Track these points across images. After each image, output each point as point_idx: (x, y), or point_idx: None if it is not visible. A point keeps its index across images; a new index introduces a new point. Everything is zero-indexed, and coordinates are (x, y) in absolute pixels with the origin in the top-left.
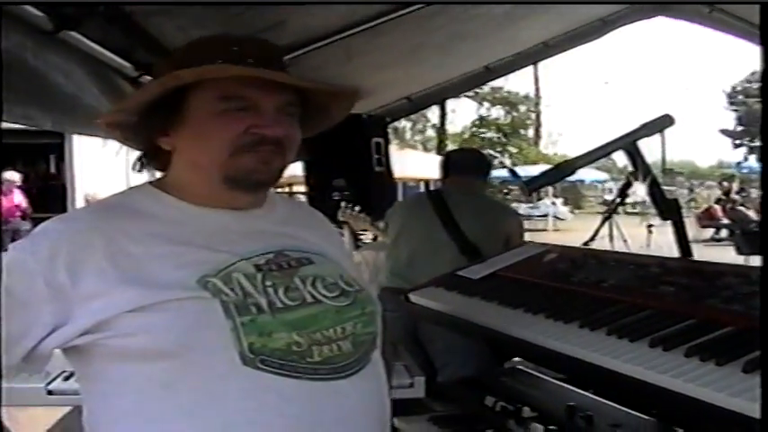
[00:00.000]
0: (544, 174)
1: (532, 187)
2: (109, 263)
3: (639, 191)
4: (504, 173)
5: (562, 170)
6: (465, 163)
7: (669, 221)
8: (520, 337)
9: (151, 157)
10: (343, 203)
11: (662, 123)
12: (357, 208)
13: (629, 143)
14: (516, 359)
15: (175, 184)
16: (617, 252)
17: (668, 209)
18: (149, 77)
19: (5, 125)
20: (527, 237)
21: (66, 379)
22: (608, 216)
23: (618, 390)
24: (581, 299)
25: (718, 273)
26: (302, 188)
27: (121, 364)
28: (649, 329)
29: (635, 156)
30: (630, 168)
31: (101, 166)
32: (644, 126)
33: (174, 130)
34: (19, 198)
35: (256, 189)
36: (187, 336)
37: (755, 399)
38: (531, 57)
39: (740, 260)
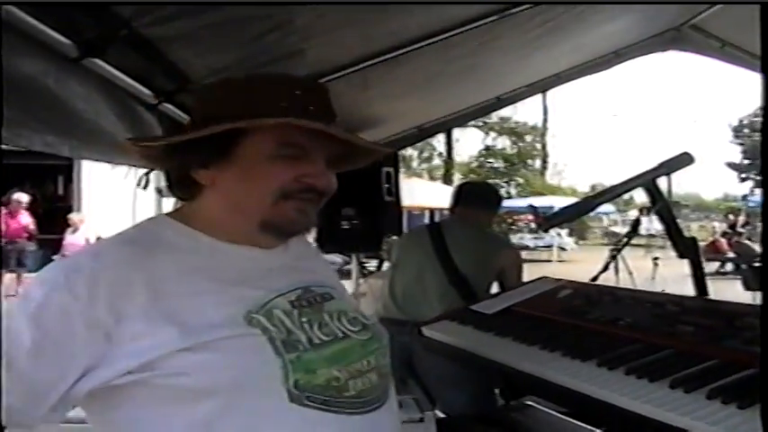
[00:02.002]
0: (563, 210)
1: (552, 223)
2: (151, 301)
3: (646, 224)
4: (512, 203)
5: (582, 207)
6: (474, 196)
7: (679, 256)
8: (537, 375)
9: (179, 185)
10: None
11: (682, 162)
12: (394, 238)
13: (648, 181)
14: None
15: (203, 219)
16: (633, 289)
17: (686, 247)
18: (169, 105)
19: (14, 146)
20: (532, 267)
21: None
22: (616, 252)
23: (637, 431)
24: (598, 337)
25: (737, 312)
26: None
27: (161, 406)
28: (669, 370)
29: (654, 193)
30: (636, 201)
31: (108, 188)
32: (663, 164)
33: (217, 165)
34: (26, 219)
35: (291, 236)
36: (241, 374)
37: None
38: (541, 86)
39: (748, 295)
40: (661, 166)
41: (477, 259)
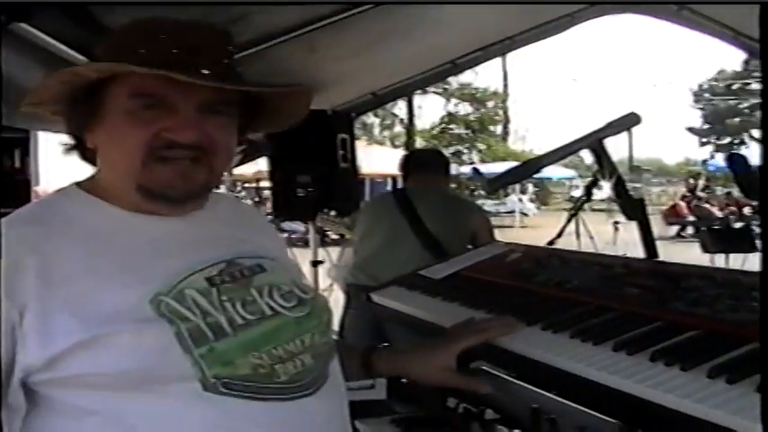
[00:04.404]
0: (508, 172)
1: (495, 186)
2: (47, 288)
3: (606, 188)
4: (469, 169)
5: (527, 169)
6: (424, 161)
7: (627, 217)
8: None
9: (80, 151)
10: (326, 212)
11: (628, 122)
12: (333, 213)
13: (594, 142)
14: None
15: (104, 188)
16: (582, 252)
17: (633, 209)
18: None
19: None
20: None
21: None
22: (573, 214)
23: (582, 394)
24: (544, 300)
25: (685, 274)
26: (268, 183)
27: (73, 408)
28: (613, 333)
29: (600, 154)
30: (597, 166)
31: (66, 161)
32: (610, 125)
33: (94, 126)
34: None
35: (175, 204)
36: (147, 370)
37: (720, 405)
38: (498, 51)
39: (706, 258)
40: (607, 126)
41: (449, 223)
